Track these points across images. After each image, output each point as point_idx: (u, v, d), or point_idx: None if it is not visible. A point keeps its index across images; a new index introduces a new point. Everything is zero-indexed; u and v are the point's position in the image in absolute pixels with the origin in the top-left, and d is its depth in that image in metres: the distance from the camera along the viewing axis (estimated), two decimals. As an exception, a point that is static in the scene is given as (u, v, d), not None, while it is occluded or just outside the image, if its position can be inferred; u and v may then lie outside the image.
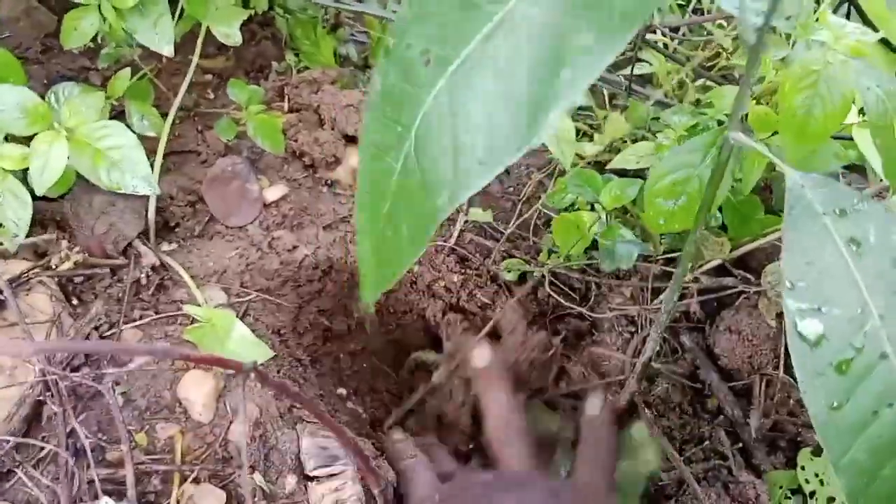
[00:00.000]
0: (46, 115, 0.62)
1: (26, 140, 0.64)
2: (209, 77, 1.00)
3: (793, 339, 0.36)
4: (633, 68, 0.76)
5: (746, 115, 0.60)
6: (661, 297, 0.74)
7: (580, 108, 0.96)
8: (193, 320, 0.66)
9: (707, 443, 0.70)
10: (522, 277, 0.83)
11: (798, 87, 0.51)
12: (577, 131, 0.89)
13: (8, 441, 0.54)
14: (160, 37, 0.67)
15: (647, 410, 0.71)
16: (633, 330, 0.76)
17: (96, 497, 0.56)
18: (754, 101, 0.61)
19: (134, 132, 0.71)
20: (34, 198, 0.65)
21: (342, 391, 0.77)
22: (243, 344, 0.63)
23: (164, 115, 0.82)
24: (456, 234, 0.83)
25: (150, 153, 0.77)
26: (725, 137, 0.45)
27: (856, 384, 0.35)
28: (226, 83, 0.92)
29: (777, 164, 0.41)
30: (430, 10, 0.32)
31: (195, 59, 0.80)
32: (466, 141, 0.30)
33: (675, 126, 0.71)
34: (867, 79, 0.51)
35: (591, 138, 0.90)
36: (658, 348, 0.75)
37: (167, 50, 0.68)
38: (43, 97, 0.68)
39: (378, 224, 0.34)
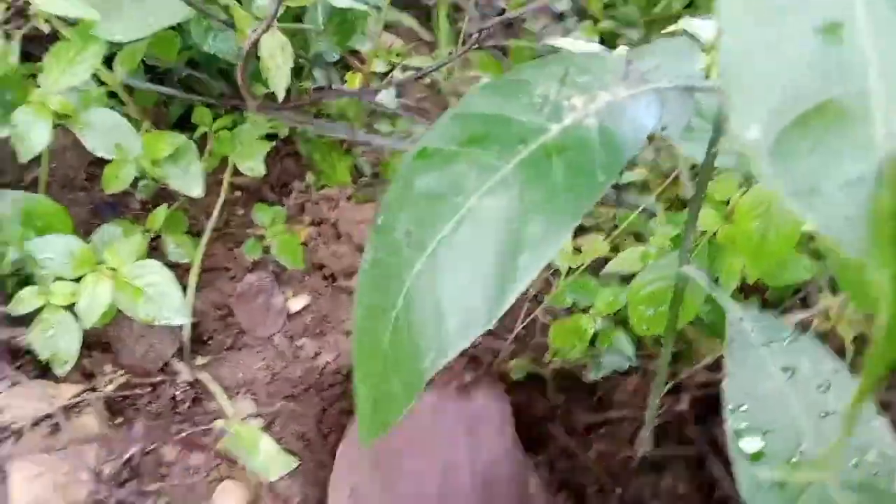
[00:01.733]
0: (91, 258, 0.70)
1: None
2: (238, 194, 1.09)
3: (735, 455, 0.41)
4: (620, 178, 0.82)
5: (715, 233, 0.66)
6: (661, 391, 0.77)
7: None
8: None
9: (714, 533, 0.73)
10: (531, 376, 0.88)
11: (751, 214, 0.57)
12: (580, 227, 0.94)
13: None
14: (191, 181, 0.75)
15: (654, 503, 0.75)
16: (640, 425, 0.80)
17: None
18: (724, 220, 0.67)
19: (169, 260, 0.79)
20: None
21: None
22: (270, 456, 0.70)
23: (198, 235, 0.91)
24: (466, 337, 0.89)
25: (185, 272, 0.86)
26: (678, 269, 0.51)
27: (794, 498, 0.40)
28: (253, 198, 1.01)
29: (718, 298, 0.47)
30: (408, 198, 0.39)
31: (223, 192, 0.90)
32: (446, 312, 0.35)
33: (660, 236, 0.77)
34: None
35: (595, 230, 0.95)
36: (658, 442, 0.79)
37: (196, 192, 0.76)
38: (88, 234, 0.76)
39: (373, 377, 0.38)
